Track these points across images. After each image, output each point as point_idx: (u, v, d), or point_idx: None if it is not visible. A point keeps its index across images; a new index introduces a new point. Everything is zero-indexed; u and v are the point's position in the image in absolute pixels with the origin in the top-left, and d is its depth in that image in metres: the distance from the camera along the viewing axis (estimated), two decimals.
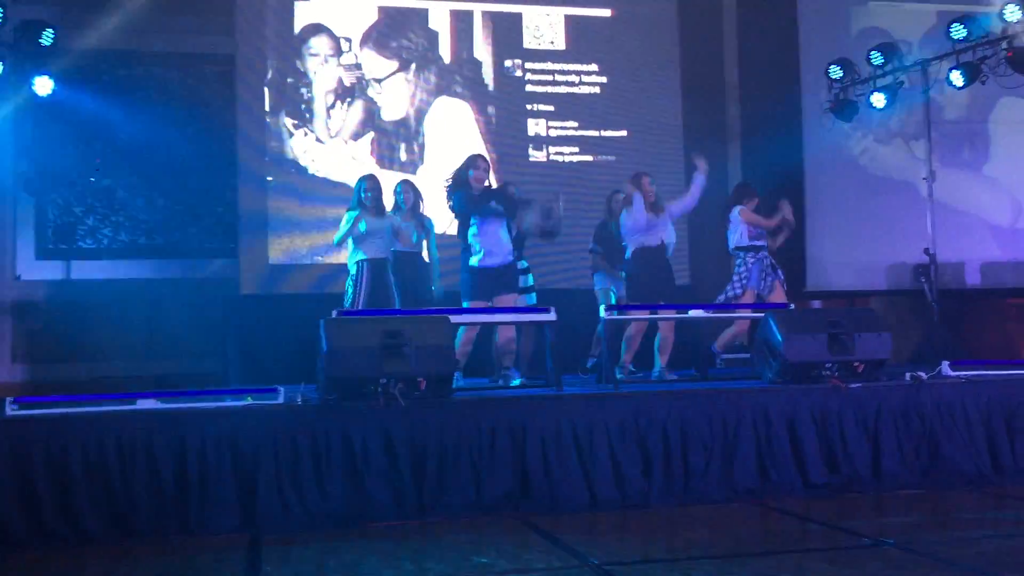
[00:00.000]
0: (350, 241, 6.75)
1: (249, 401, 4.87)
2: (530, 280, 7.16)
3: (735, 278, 7.18)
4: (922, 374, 5.49)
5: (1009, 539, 4.27)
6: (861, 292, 9.63)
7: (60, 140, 9.08)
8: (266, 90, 8.74)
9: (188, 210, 9.33)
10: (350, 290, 6.71)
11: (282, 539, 4.35)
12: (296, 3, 8.85)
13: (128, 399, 4.74)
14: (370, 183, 6.80)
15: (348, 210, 6.79)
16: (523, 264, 7.07)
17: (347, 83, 8.89)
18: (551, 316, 5.82)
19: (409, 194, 7.02)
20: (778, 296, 7.13)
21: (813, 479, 5.10)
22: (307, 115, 8.80)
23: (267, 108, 8.72)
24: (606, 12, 9.48)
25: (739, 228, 7.20)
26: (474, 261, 6.24)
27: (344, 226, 6.71)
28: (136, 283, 9.04)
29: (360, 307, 6.52)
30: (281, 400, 4.89)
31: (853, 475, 5.16)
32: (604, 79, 9.42)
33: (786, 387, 5.33)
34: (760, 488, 5.05)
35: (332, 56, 8.90)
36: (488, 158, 6.80)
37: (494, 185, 7.01)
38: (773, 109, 9.65)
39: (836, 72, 8.93)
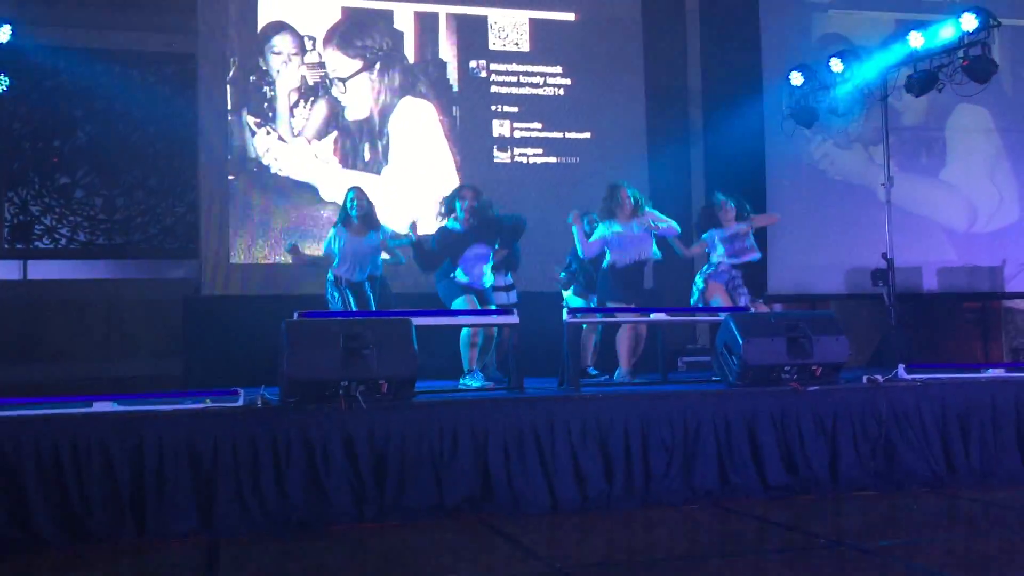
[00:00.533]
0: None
1: (208, 403, 4.82)
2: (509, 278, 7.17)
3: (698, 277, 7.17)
4: (879, 377, 5.57)
5: (963, 540, 4.35)
6: (820, 295, 9.75)
7: (16, 138, 8.94)
8: (228, 88, 8.65)
9: (148, 210, 9.23)
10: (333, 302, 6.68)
11: (241, 542, 4.32)
12: (259, 1, 8.78)
13: (84, 401, 4.67)
14: (356, 195, 6.69)
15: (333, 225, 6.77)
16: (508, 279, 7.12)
17: (310, 82, 8.84)
18: (513, 319, 5.83)
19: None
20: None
21: (772, 481, 5.16)
22: (270, 114, 8.74)
23: (229, 107, 8.64)
24: (570, 16, 9.51)
25: (718, 249, 7.09)
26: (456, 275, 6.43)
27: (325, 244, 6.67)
28: (94, 283, 8.92)
29: None
30: (241, 403, 4.85)
31: (811, 477, 5.22)
32: (568, 81, 9.45)
33: (746, 390, 5.38)
34: (720, 490, 5.09)
35: (295, 55, 8.84)
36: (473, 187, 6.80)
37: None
38: (735, 114, 9.74)
39: (797, 78, 9.03)
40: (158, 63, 9.27)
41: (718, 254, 7.05)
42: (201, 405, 4.79)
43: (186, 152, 8.98)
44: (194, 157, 8.66)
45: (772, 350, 5.47)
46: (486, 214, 6.56)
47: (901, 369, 5.80)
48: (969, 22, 7.75)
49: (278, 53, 8.80)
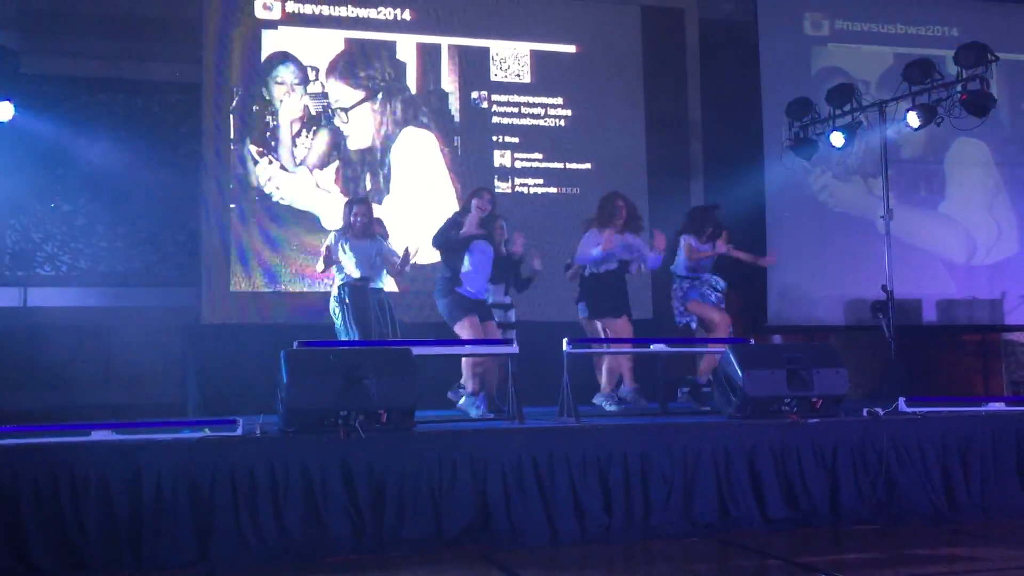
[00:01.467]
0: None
1: (207, 433, 4.81)
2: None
3: (675, 303, 7.27)
4: (879, 410, 5.56)
5: (964, 574, 4.32)
6: (820, 327, 9.75)
7: (19, 166, 8.98)
8: (231, 118, 8.71)
9: (149, 238, 9.24)
10: (339, 316, 6.67)
11: (238, 574, 4.29)
12: (263, 32, 8.86)
13: (83, 430, 4.66)
14: (359, 208, 6.78)
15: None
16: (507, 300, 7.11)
17: (313, 112, 8.90)
18: (513, 349, 5.83)
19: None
20: (719, 315, 7.14)
21: (772, 514, 5.14)
22: (272, 143, 8.79)
23: (231, 136, 8.69)
24: (571, 48, 9.60)
25: (681, 256, 7.27)
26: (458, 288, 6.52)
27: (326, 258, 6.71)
28: (95, 311, 8.91)
29: (353, 328, 6.50)
30: (239, 432, 4.84)
31: (811, 510, 5.20)
32: (569, 112, 9.51)
33: (745, 422, 5.37)
34: (719, 522, 5.07)
35: (298, 85, 8.91)
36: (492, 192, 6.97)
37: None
38: (735, 146, 9.80)
39: (796, 111, 9.08)
40: (162, 92, 9.32)
41: (681, 265, 7.21)
42: (200, 434, 4.78)
43: (188, 180, 9.01)
44: (196, 186, 8.69)
45: (772, 382, 5.47)
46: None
47: (901, 402, 5.79)
48: (967, 57, 7.81)
49: (281, 83, 8.86)
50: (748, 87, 9.79)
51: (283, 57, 8.88)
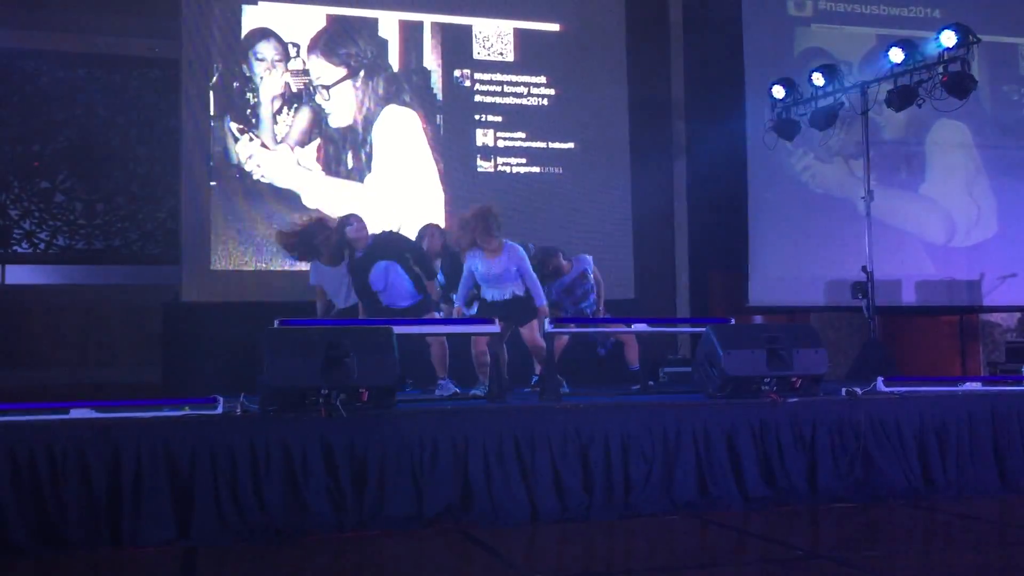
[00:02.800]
0: None
1: (187, 411, 4.79)
2: None
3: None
4: (857, 390, 5.60)
5: (939, 552, 4.38)
6: (801, 308, 9.80)
7: None
8: (211, 94, 8.62)
9: (129, 215, 9.18)
10: None
11: (219, 551, 4.29)
12: (243, 7, 8.76)
13: (62, 408, 4.63)
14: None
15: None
16: None
17: (294, 89, 8.83)
18: (495, 328, 5.83)
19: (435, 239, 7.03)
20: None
21: (751, 492, 5.17)
22: (252, 120, 8.72)
23: (212, 113, 8.61)
24: (555, 26, 9.55)
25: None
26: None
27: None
28: (73, 289, 8.86)
29: None
30: (220, 410, 4.82)
31: (789, 488, 5.24)
32: (552, 92, 9.48)
33: (725, 401, 5.40)
34: (699, 501, 5.10)
35: (279, 61, 8.83)
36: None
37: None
38: (718, 126, 9.80)
39: (779, 91, 9.10)
40: (141, 67, 9.23)
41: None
42: (180, 413, 4.76)
43: (168, 158, 8.95)
44: (176, 163, 8.62)
45: (752, 362, 5.49)
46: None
47: (879, 382, 5.84)
48: (949, 39, 7.83)
49: (262, 59, 8.78)
50: (732, 67, 9.78)
51: (263, 34, 8.81)
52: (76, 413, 4.57)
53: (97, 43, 9.03)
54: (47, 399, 5.39)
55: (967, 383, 6.24)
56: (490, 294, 6.42)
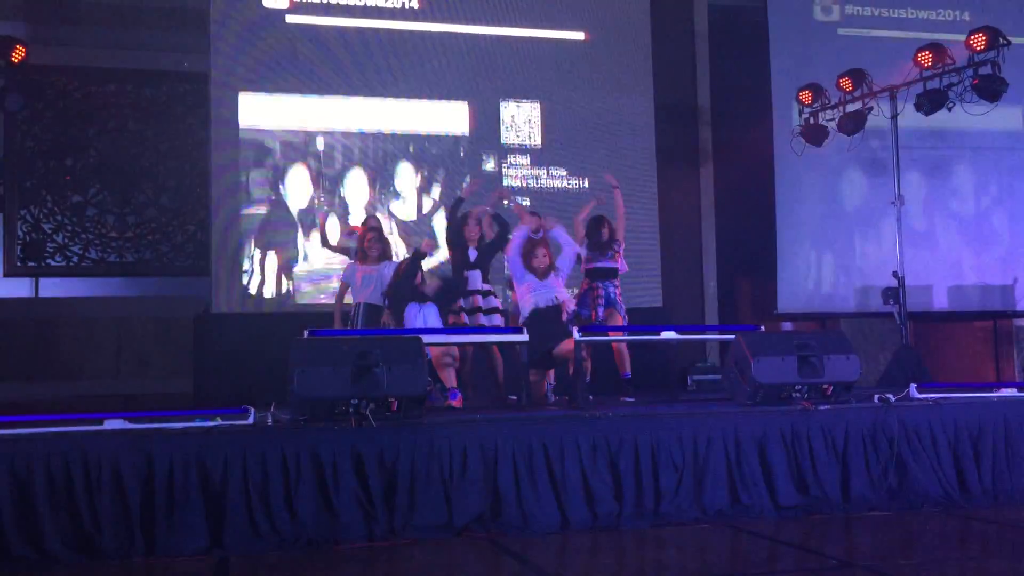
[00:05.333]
0: None
1: (218, 421, 4.82)
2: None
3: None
4: (890, 396, 5.54)
5: (975, 561, 4.31)
6: (831, 314, 9.72)
7: (29, 156, 9.01)
8: (239, 108, 8.68)
9: (159, 228, 9.28)
10: None
11: (250, 561, 4.31)
12: (271, 20, 8.83)
13: (95, 419, 4.68)
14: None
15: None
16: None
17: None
18: (523, 337, 5.82)
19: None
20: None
21: (782, 500, 5.13)
22: None
23: (241, 126, 8.67)
24: (580, 35, 9.56)
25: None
26: None
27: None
28: (105, 301, 8.96)
29: None
30: (251, 420, 4.85)
31: (822, 497, 5.19)
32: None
33: (756, 409, 5.37)
34: (730, 510, 5.07)
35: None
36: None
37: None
38: (745, 132, 9.77)
39: (806, 97, 9.05)
40: (171, 82, 9.33)
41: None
42: (211, 423, 4.80)
43: (198, 171, 9.04)
44: (206, 176, 8.70)
45: (783, 369, 5.45)
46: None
47: (912, 388, 5.77)
48: (978, 42, 7.76)
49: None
50: (758, 73, 9.75)
51: (292, 48, 8.87)
52: (110, 424, 4.62)
53: (128, 58, 9.15)
54: (80, 410, 5.45)
55: (1002, 389, 6.15)
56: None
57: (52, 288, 9.01)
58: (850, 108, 8.76)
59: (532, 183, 9.28)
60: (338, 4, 8.96)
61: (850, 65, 9.04)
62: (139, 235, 9.22)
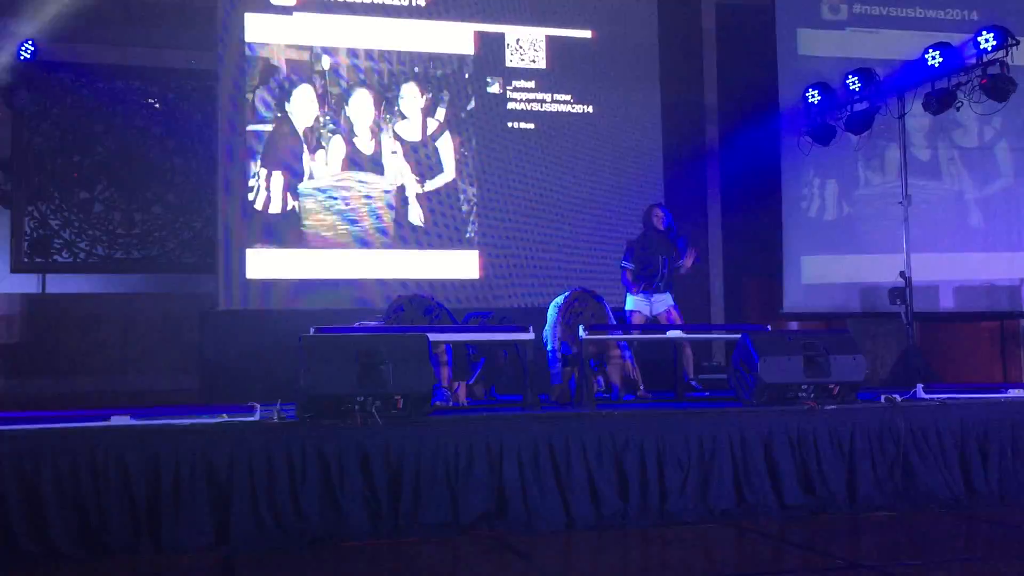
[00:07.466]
0: None
1: (224, 418, 4.83)
2: None
3: None
4: (896, 397, 5.54)
5: (982, 563, 4.30)
6: (837, 314, 9.70)
7: (37, 153, 9.03)
8: (247, 105, 8.69)
9: (166, 224, 9.29)
10: None
11: (256, 557, 4.32)
12: (278, 18, 8.82)
13: (101, 415, 4.70)
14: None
15: None
16: None
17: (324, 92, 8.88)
18: (529, 335, 5.82)
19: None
20: None
21: (788, 500, 5.12)
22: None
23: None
24: (587, 33, 9.54)
25: None
26: None
27: None
28: (112, 298, 8.97)
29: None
30: (257, 418, 4.86)
31: (828, 497, 5.18)
32: (585, 98, 9.44)
33: (762, 408, 5.36)
34: (736, 509, 5.06)
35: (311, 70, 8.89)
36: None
37: None
38: (751, 131, 9.75)
39: (814, 96, 9.03)
40: (178, 79, 9.35)
41: None
42: (217, 420, 4.81)
43: (204, 167, 9.05)
44: (212, 172, 8.71)
45: (789, 369, 5.45)
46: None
47: (919, 388, 5.76)
48: (987, 41, 7.74)
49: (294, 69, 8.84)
50: (765, 72, 9.72)
51: (299, 43, 8.86)
52: (116, 421, 4.63)
53: (135, 55, 9.16)
54: (87, 406, 5.47)
55: (1009, 389, 6.14)
56: None
57: (59, 284, 9.02)
58: (857, 107, 8.73)
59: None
60: (344, 1, 8.95)
61: (858, 64, 9.01)
62: (146, 232, 9.23)
